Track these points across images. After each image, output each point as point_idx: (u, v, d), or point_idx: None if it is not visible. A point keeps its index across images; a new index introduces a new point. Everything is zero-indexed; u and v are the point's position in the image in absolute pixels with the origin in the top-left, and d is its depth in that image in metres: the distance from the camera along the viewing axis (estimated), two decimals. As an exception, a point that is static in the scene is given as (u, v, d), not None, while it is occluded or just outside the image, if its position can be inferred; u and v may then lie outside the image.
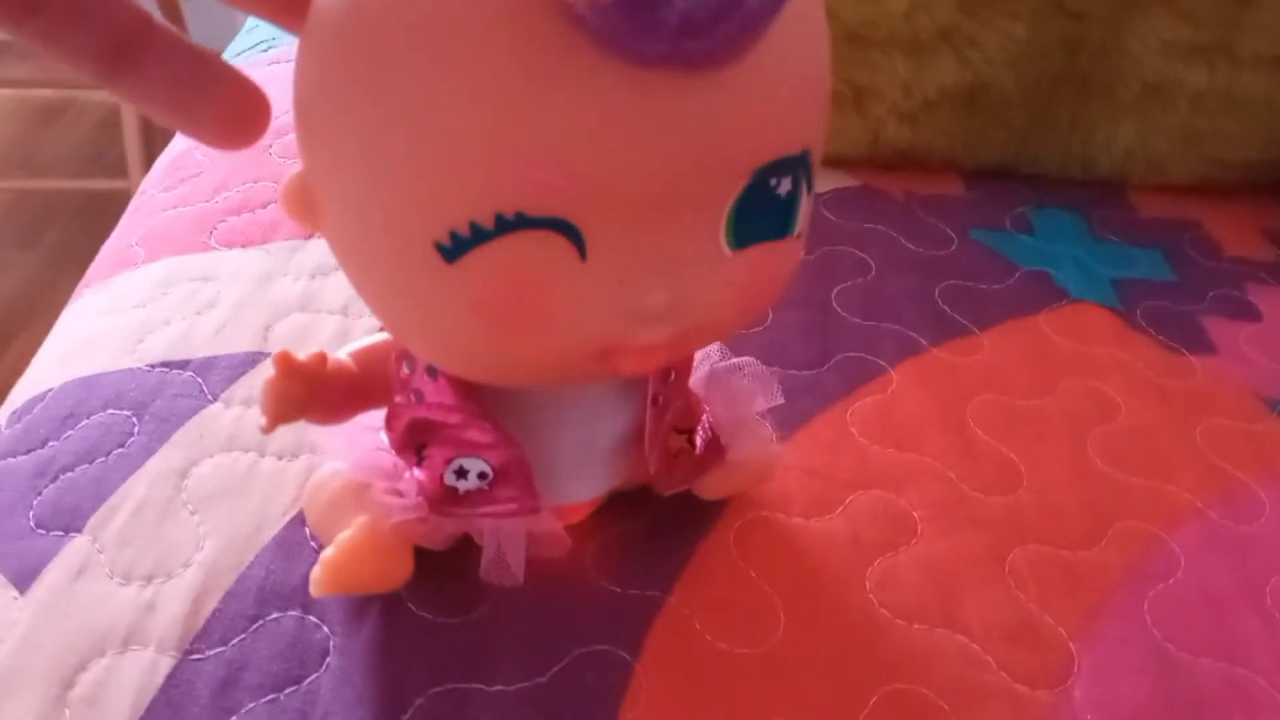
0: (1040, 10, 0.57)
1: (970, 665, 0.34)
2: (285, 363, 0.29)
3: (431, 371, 0.30)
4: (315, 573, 0.32)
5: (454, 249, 0.23)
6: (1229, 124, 0.61)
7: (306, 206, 0.26)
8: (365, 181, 0.24)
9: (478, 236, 0.23)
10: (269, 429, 0.29)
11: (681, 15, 0.20)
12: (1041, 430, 0.44)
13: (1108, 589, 0.38)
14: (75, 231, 1.42)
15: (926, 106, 0.59)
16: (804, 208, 0.26)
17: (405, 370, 0.31)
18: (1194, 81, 0.59)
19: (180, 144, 0.62)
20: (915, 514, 0.40)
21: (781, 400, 0.37)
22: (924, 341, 0.49)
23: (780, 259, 0.27)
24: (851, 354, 0.48)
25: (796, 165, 0.25)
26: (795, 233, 0.26)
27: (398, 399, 0.31)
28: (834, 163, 0.62)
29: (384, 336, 0.33)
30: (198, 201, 0.54)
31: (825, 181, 0.61)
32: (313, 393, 0.30)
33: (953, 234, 0.58)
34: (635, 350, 0.26)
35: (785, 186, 0.25)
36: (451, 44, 0.21)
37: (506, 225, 0.22)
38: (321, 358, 0.30)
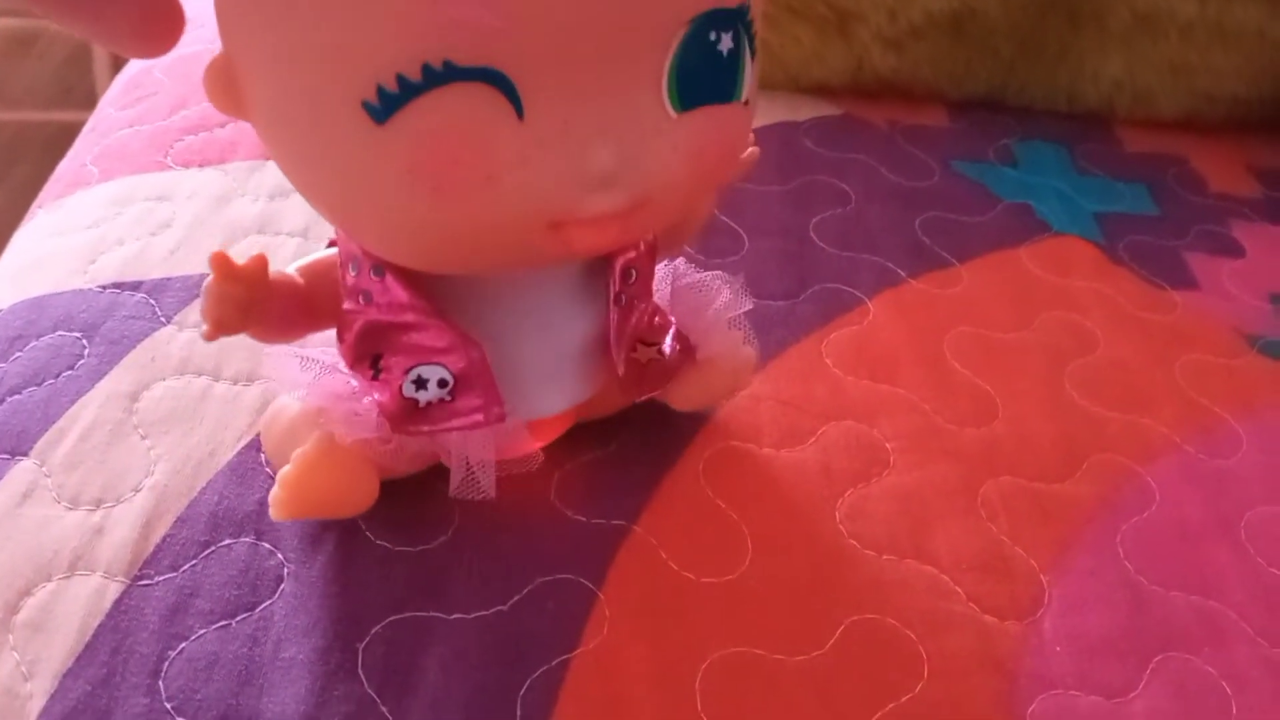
0: (1031, -67, 0.55)
1: (939, 596, 0.34)
2: (222, 265, 0.27)
3: (378, 270, 0.29)
4: (274, 493, 0.31)
5: (383, 107, 0.22)
6: (1218, 57, 0.60)
7: (229, 89, 0.25)
8: (285, 45, 0.23)
9: (406, 91, 0.22)
10: (210, 335, 0.28)
11: None
12: (1019, 363, 0.44)
13: (1080, 521, 0.37)
14: (44, 164, 1.38)
15: (912, 33, 0.58)
16: (749, 71, 0.26)
17: (351, 274, 0.30)
18: (1185, 12, 0.58)
19: (138, 62, 0.59)
20: (888, 445, 0.39)
21: (750, 305, 0.36)
22: (902, 273, 0.48)
23: (728, 124, 0.26)
24: (828, 285, 0.47)
25: (735, 18, 0.25)
26: (742, 98, 0.26)
27: (346, 305, 0.30)
28: (816, 90, 0.61)
29: (333, 252, 0.31)
30: (155, 120, 0.52)
31: (806, 109, 0.59)
32: (253, 298, 0.28)
33: (935, 165, 0.56)
34: (586, 221, 0.25)
35: (726, 43, 0.25)
36: None
37: (435, 77, 0.22)
38: (261, 260, 0.29)
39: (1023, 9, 0.58)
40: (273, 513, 0.31)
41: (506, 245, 0.26)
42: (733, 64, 0.25)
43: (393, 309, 0.29)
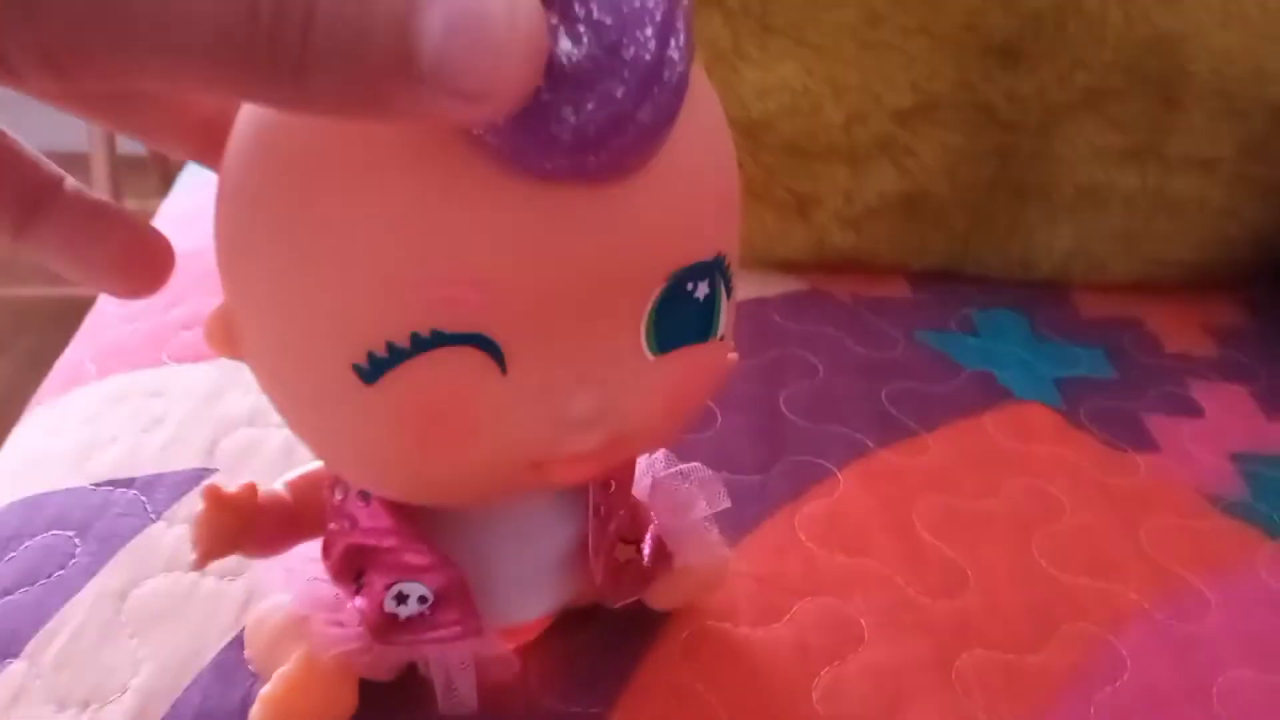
0: (972, 121, 0.59)
1: (916, 777, 0.34)
2: (214, 496, 0.29)
3: (364, 496, 0.30)
4: (254, 711, 0.31)
5: (372, 370, 0.23)
6: (1163, 224, 0.63)
7: (229, 338, 0.26)
8: (281, 309, 0.24)
9: (395, 356, 0.23)
10: (199, 565, 0.29)
11: (574, 131, 0.20)
12: (987, 531, 0.45)
13: (1054, 693, 0.38)
14: (49, 336, 1.42)
15: (868, 213, 0.61)
16: (725, 311, 0.27)
17: (338, 496, 0.31)
18: (1126, 184, 0.61)
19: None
20: (862, 620, 0.40)
21: (728, 504, 0.37)
22: (870, 443, 0.50)
23: (704, 362, 0.27)
24: (799, 457, 0.48)
25: (712, 269, 0.26)
26: (718, 335, 0.27)
27: (331, 526, 0.31)
28: (782, 267, 0.64)
29: (320, 464, 0.33)
30: (152, 317, 0.54)
31: (774, 285, 0.62)
32: (244, 525, 0.30)
33: (899, 336, 0.59)
34: (565, 460, 0.26)
35: (703, 290, 0.25)
36: (355, 174, 0.22)
37: (423, 344, 0.23)
38: (252, 489, 0.30)
39: (970, 187, 0.61)
40: None
41: (489, 484, 0.27)
42: (709, 307, 0.26)
43: (376, 534, 0.30)
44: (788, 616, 0.39)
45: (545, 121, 0.20)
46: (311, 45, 0.17)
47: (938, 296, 0.63)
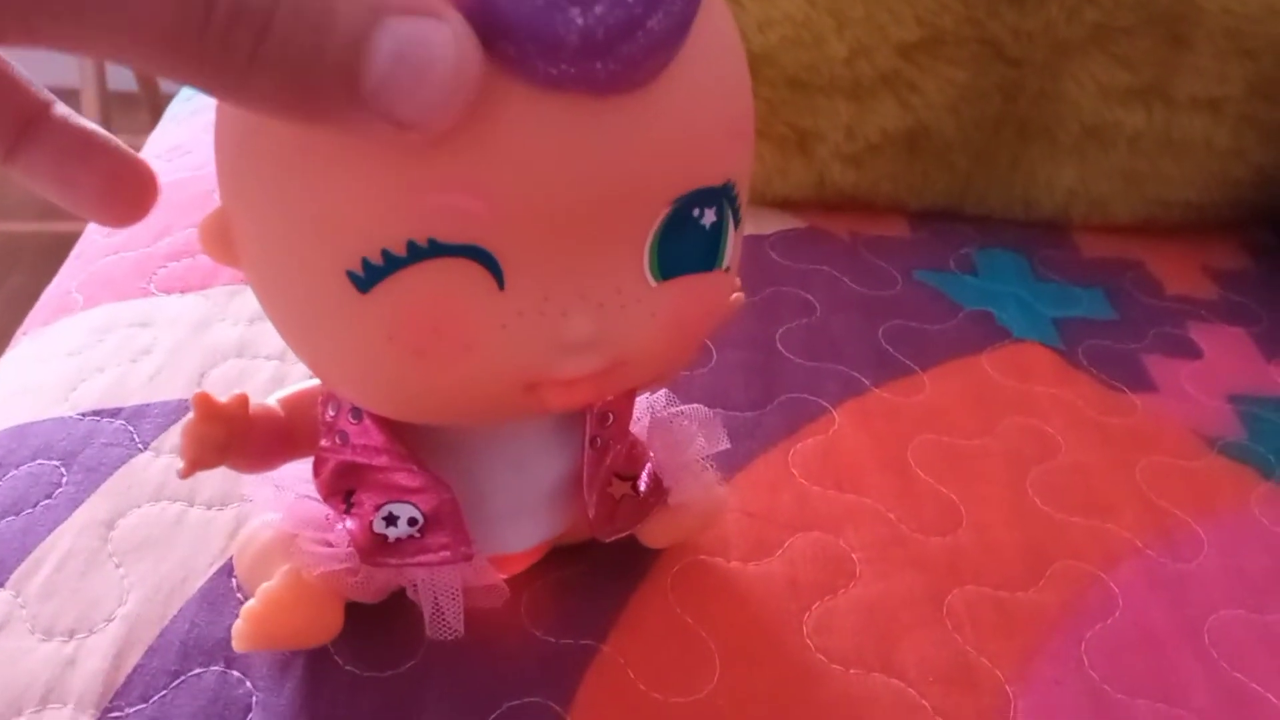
0: (979, 56, 0.58)
1: (906, 710, 0.34)
2: (204, 405, 0.28)
3: (356, 413, 0.30)
4: (237, 626, 0.31)
5: (367, 278, 0.23)
6: (1168, 165, 0.62)
7: (224, 243, 0.25)
8: (279, 213, 0.23)
9: (390, 264, 0.22)
10: (186, 473, 0.29)
11: (581, 34, 0.20)
12: (982, 469, 0.45)
13: (1045, 630, 0.38)
14: (38, 273, 1.41)
15: (869, 149, 0.60)
16: (732, 240, 0.26)
17: (330, 413, 0.30)
18: (1132, 124, 0.60)
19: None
20: (854, 556, 0.39)
21: (727, 445, 0.37)
22: (866, 381, 0.49)
23: (708, 292, 0.27)
24: (794, 395, 0.48)
25: (719, 196, 0.25)
26: (724, 266, 0.26)
27: (323, 443, 0.31)
28: (780, 204, 0.63)
29: (315, 383, 0.32)
30: (139, 247, 0.53)
31: (772, 223, 0.61)
32: (233, 437, 0.29)
33: (897, 275, 0.58)
34: (561, 383, 0.25)
35: (710, 217, 0.25)
36: None
37: (419, 253, 0.22)
38: (243, 400, 0.29)
39: (975, 124, 0.60)
40: (236, 645, 0.31)
41: (482, 404, 0.26)
42: (715, 236, 0.25)
43: (367, 452, 0.30)
44: (780, 551, 0.39)
45: (552, 24, 0.20)
46: (262, 53, 0.18)
47: (937, 235, 0.63)
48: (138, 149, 0.64)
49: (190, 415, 0.29)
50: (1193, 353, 0.55)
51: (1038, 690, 0.35)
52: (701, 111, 0.24)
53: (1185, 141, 0.61)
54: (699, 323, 0.27)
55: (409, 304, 0.23)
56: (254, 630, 0.31)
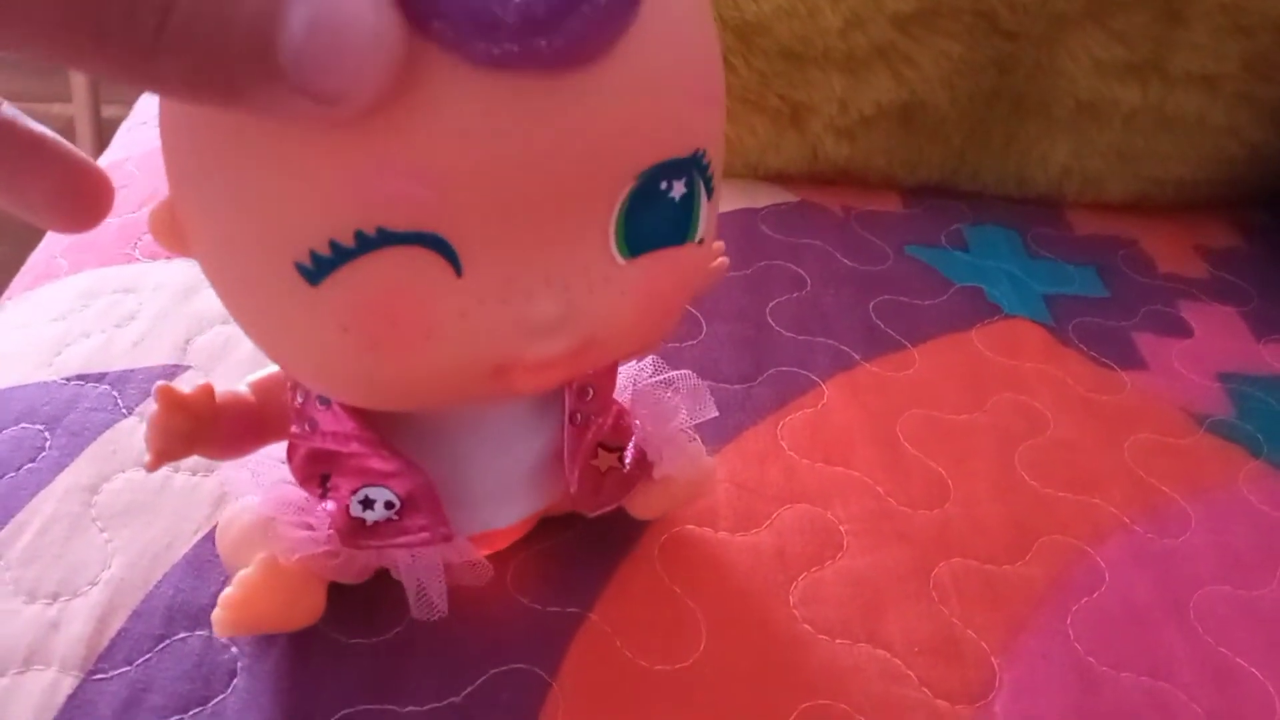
0: (974, 29, 0.58)
1: (891, 681, 0.34)
2: (166, 396, 0.28)
3: (325, 400, 0.29)
4: (217, 614, 0.31)
5: (316, 270, 0.22)
6: (1163, 142, 0.62)
7: (174, 232, 0.25)
8: (224, 205, 0.23)
9: (339, 255, 0.21)
10: (153, 466, 0.28)
11: (519, 12, 0.19)
12: (970, 445, 0.45)
13: (1031, 603, 0.38)
14: (25, 243, 1.40)
15: (863, 123, 0.60)
16: (705, 212, 0.25)
17: (298, 400, 0.30)
18: (1127, 100, 0.60)
19: (111, 155, 0.61)
20: (842, 528, 0.39)
21: (715, 413, 0.36)
22: (856, 356, 0.49)
23: (681, 266, 0.26)
24: (784, 368, 0.47)
25: (688, 167, 0.24)
26: (697, 238, 0.25)
27: (293, 429, 0.30)
28: (773, 178, 0.62)
29: None
30: (124, 213, 0.53)
31: (764, 197, 0.61)
32: (199, 427, 0.29)
33: (889, 250, 0.58)
34: (530, 366, 0.24)
35: (679, 189, 0.24)
36: None
37: (369, 243, 0.21)
38: (207, 390, 0.29)
39: (970, 99, 0.60)
40: (217, 631, 0.31)
41: (448, 391, 0.25)
42: (685, 208, 0.24)
43: (338, 439, 0.29)
44: (767, 523, 0.39)
45: (487, 2, 0.19)
46: (169, 30, 0.17)
47: (930, 211, 0.62)
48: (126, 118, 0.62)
49: (154, 408, 0.28)
50: (1184, 331, 0.55)
51: (1023, 663, 0.35)
52: (662, 81, 0.23)
53: (1180, 119, 0.61)
54: (673, 297, 0.26)
55: (362, 295, 0.22)
56: (234, 617, 0.31)
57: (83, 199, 0.25)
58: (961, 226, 0.61)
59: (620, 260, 0.24)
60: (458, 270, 0.22)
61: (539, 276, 0.23)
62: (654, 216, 0.24)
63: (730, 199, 0.60)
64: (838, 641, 0.35)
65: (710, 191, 0.25)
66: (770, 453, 0.43)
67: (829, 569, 0.38)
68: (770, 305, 0.52)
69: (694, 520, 0.39)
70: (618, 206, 0.23)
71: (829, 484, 0.41)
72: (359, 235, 0.21)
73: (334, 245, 0.21)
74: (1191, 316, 0.56)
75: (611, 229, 0.23)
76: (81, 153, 0.25)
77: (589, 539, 0.37)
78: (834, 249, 0.57)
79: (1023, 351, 0.51)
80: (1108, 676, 0.35)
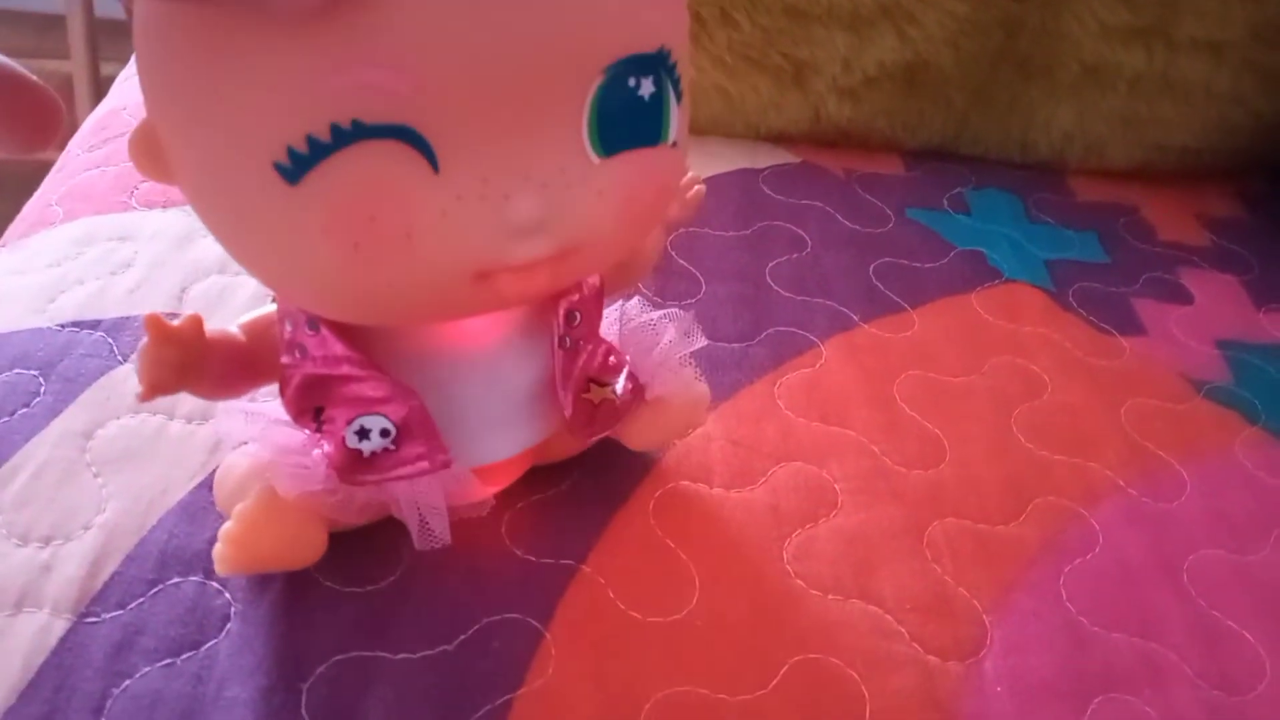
0: (980, -11, 0.57)
1: (882, 636, 0.34)
2: (156, 327, 0.28)
3: (313, 325, 0.29)
4: (217, 549, 0.31)
5: (294, 168, 0.22)
6: (1167, 108, 0.61)
7: (153, 155, 0.25)
8: (201, 112, 0.23)
9: (316, 152, 0.22)
10: (145, 397, 0.28)
11: None
12: (968, 407, 0.44)
13: (1024, 563, 0.38)
14: (19, 201, 1.39)
15: (866, 83, 0.59)
16: (675, 113, 0.26)
17: (288, 329, 0.30)
18: (1132, 65, 0.59)
19: (109, 104, 0.60)
20: (836, 486, 0.39)
21: (704, 341, 0.36)
22: (855, 317, 0.49)
23: (656, 168, 0.26)
24: (782, 328, 0.47)
25: (655, 64, 0.25)
26: (669, 140, 0.26)
27: (284, 359, 0.30)
28: (775, 139, 0.62)
29: (274, 307, 0.32)
30: (120, 161, 0.52)
31: (766, 158, 0.61)
32: (189, 358, 0.28)
33: (890, 212, 0.57)
34: (513, 269, 0.25)
35: (647, 88, 0.25)
36: None
37: (345, 137, 0.22)
38: (196, 320, 0.29)
39: (974, 60, 0.59)
40: (218, 569, 0.31)
41: (433, 298, 0.26)
42: (655, 107, 0.25)
43: (328, 362, 0.29)
44: (762, 480, 0.39)
45: None
46: None
47: (932, 174, 0.62)
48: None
49: (145, 339, 0.28)
50: (1183, 298, 0.55)
51: (1015, 620, 0.35)
52: None
53: (1184, 85, 0.61)
54: (650, 201, 0.27)
55: (341, 192, 0.22)
56: (234, 553, 0.31)
57: (32, 119, 0.24)
58: (963, 190, 0.61)
59: (595, 159, 0.25)
60: (435, 166, 0.23)
61: (516, 174, 0.24)
62: (625, 113, 0.25)
63: (731, 159, 0.59)
64: (830, 597, 0.35)
65: (679, 95, 0.26)
66: (767, 411, 0.43)
67: (823, 526, 0.38)
68: (770, 265, 0.51)
69: (688, 476, 0.39)
70: (588, 101, 0.24)
71: (825, 443, 0.41)
72: (334, 129, 0.22)
73: (310, 140, 0.22)
74: (1192, 284, 0.56)
75: (585, 125, 0.24)
76: (24, 71, 0.25)
77: (583, 491, 0.37)
78: (835, 210, 0.57)
79: (1022, 315, 0.51)
80: (1099, 636, 0.35)
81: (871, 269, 0.52)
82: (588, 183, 0.25)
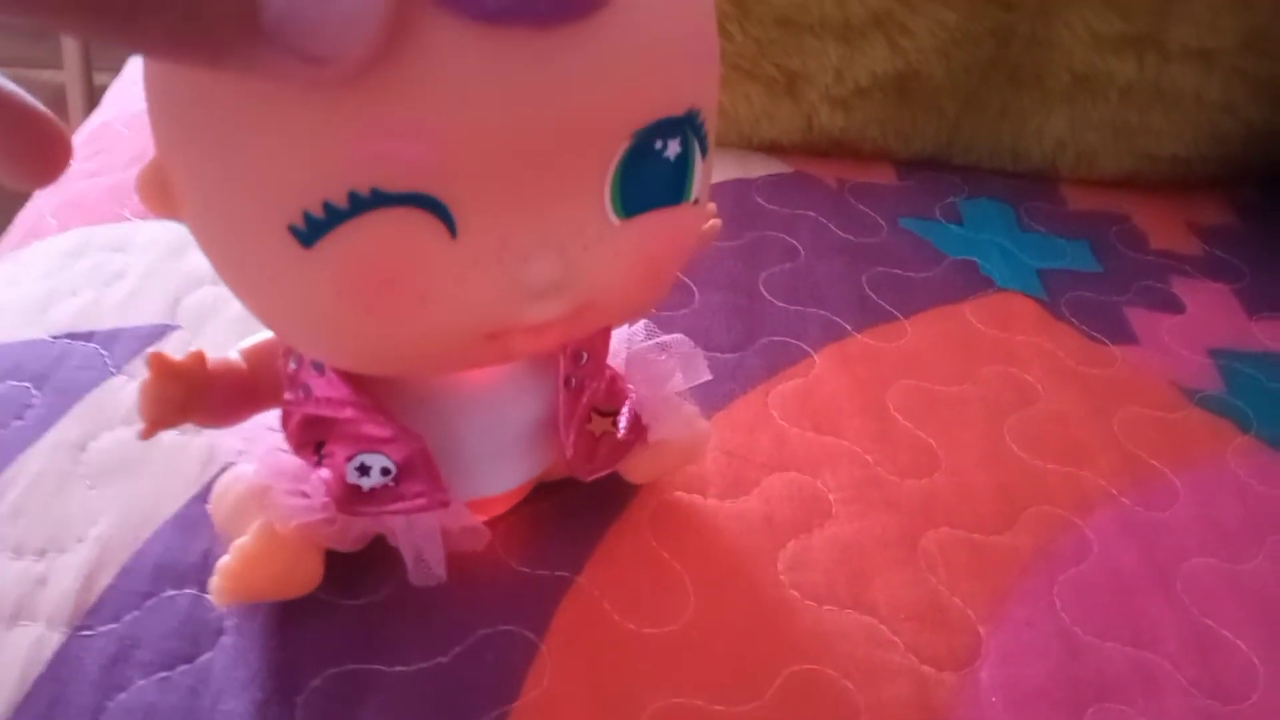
0: (971, -1, 0.57)
1: (877, 646, 0.34)
2: (159, 364, 0.27)
3: (319, 365, 0.29)
4: (214, 582, 0.31)
5: (309, 232, 0.21)
6: (1157, 118, 0.62)
7: (163, 195, 0.24)
8: (215, 166, 0.22)
9: (333, 217, 0.21)
10: (147, 434, 0.28)
11: None
12: (960, 416, 0.45)
13: (1018, 572, 0.38)
14: (10, 211, 1.39)
15: (859, 93, 0.59)
16: (699, 172, 0.25)
17: (291, 365, 0.30)
18: (1123, 73, 0.60)
19: (102, 115, 0.60)
20: (830, 496, 0.39)
21: (709, 376, 0.36)
22: (848, 326, 0.49)
23: (677, 227, 0.26)
24: (775, 338, 0.47)
25: (682, 126, 0.24)
26: (691, 198, 0.25)
27: (287, 396, 0.30)
28: (768, 148, 0.62)
29: None
30: (113, 172, 0.52)
31: (759, 167, 0.61)
32: (192, 395, 0.28)
33: (883, 222, 0.58)
34: (525, 331, 0.24)
35: (674, 149, 0.24)
36: None
37: (362, 204, 0.21)
38: (199, 357, 0.29)
39: (965, 69, 0.60)
40: (214, 600, 0.31)
41: (444, 355, 0.25)
42: (680, 168, 0.24)
43: (332, 405, 0.29)
44: (756, 490, 0.39)
45: None
46: None
47: (924, 184, 0.62)
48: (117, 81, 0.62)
49: (146, 375, 0.28)
50: (1175, 307, 0.55)
51: (1009, 630, 0.36)
52: (656, 37, 0.22)
53: (1175, 93, 0.61)
54: (668, 259, 0.26)
55: (356, 258, 0.22)
56: (232, 586, 0.31)
57: (37, 151, 0.24)
58: (955, 200, 0.61)
59: (615, 221, 0.24)
60: (453, 232, 0.22)
61: (535, 238, 0.23)
62: (649, 176, 0.24)
63: (724, 169, 0.60)
64: (824, 607, 0.35)
65: (705, 151, 0.25)
66: (760, 421, 0.43)
67: (817, 536, 0.38)
68: (763, 275, 0.52)
69: (683, 487, 0.39)
70: (613, 166, 0.23)
71: (818, 452, 0.41)
72: (352, 196, 0.21)
73: (327, 206, 0.21)
74: (1183, 292, 0.56)
75: (607, 189, 0.23)
76: (33, 101, 0.24)
77: (578, 504, 0.37)
78: (828, 220, 0.57)
79: (1014, 324, 0.51)
80: (1092, 645, 0.36)
81: (864, 278, 0.53)
82: (606, 244, 0.24)
